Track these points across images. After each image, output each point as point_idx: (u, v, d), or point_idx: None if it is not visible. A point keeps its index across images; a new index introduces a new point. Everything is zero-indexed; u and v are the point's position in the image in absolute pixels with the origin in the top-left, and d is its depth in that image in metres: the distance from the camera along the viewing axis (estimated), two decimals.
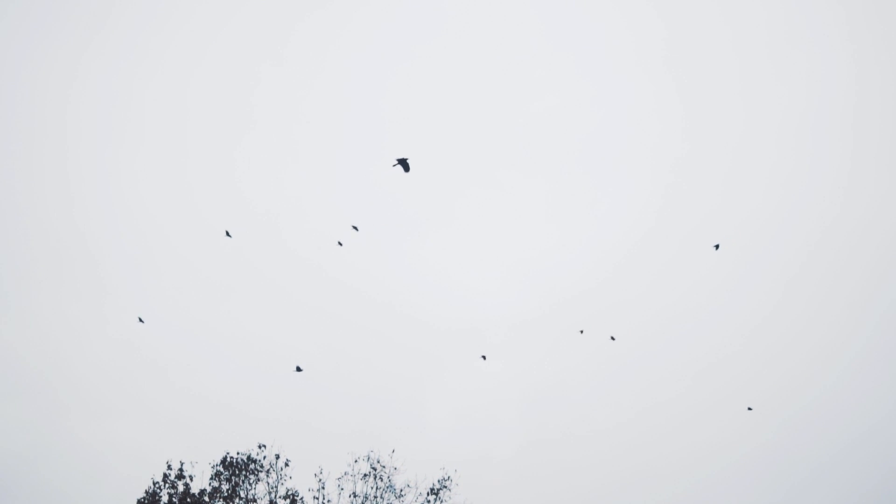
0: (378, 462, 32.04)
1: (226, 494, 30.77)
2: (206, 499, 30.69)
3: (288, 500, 31.15)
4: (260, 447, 31.58)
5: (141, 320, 40.20)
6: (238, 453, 31.39)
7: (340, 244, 37.43)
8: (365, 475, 31.81)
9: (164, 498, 30.77)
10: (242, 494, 30.94)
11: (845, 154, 66.69)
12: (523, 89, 72.06)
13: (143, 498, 30.84)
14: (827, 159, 67.32)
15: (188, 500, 30.61)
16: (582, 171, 71.10)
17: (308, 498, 31.36)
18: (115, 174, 65.41)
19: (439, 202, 67.24)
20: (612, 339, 41.76)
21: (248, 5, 69.20)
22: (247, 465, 31.13)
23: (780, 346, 58.71)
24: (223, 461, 31.20)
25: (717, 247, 39.33)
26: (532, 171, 70.04)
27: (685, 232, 63.86)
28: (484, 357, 41.42)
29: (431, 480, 32.24)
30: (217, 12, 68.67)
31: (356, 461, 31.87)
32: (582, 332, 41.47)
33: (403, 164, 29.22)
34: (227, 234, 37.90)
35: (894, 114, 66.76)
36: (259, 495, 31.13)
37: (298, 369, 36.74)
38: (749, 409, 43.01)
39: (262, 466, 31.26)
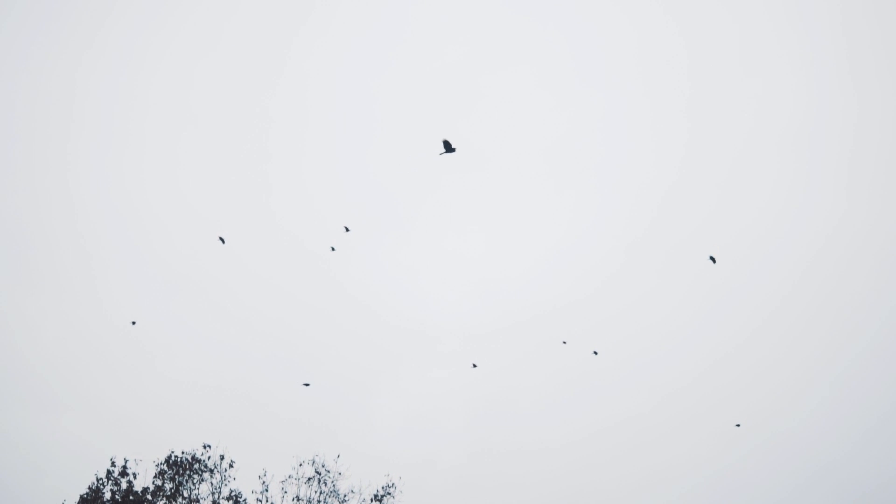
0: (323, 466, 32.34)
1: (169, 493, 30.87)
2: (150, 497, 30.77)
3: (231, 502, 31.32)
4: (205, 447, 31.72)
5: (133, 323, 40.62)
6: (183, 452, 31.51)
7: (333, 249, 37.86)
8: (309, 479, 32.10)
9: (108, 495, 30.79)
10: (186, 494, 31.06)
11: (843, 165, 66.70)
12: (509, 91, 71.94)
13: (86, 494, 30.81)
14: (825, 171, 67.30)
15: (131, 497, 30.64)
16: (562, 183, 70.95)
17: (251, 500, 31.57)
18: (113, 170, 65.59)
19: (415, 204, 67.72)
20: (595, 353, 41.44)
21: (246, 9, 69.68)
22: (191, 464, 31.25)
23: (749, 374, 58.13)
24: (167, 460, 31.27)
25: (713, 259, 37.65)
26: (511, 180, 69.90)
27: (666, 249, 63.71)
28: (475, 365, 41.78)
29: (376, 487, 32.55)
30: (217, 16, 69.16)
31: (301, 464, 32.16)
32: (565, 342, 41.42)
33: (448, 147, 29.99)
34: (221, 240, 38.10)
35: (894, 123, 67.14)
36: (202, 495, 31.27)
37: (306, 384, 37.52)
38: (737, 425, 43.17)
39: (206, 467, 31.40)
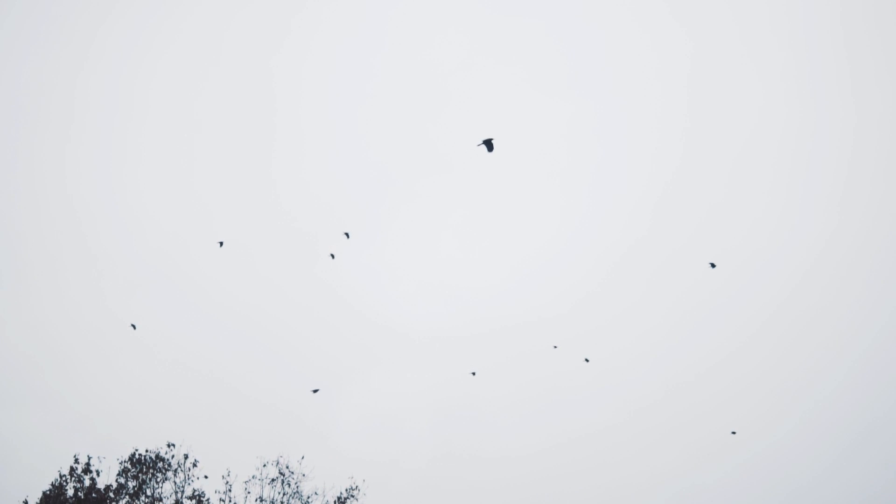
0: (287, 468, 32.51)
1: (132, 492, 30.94)
2: (112, 495, 30.80)
3: (194, 501, 31.39)
4: (169, 446, 31.79)
5: (133, 327, 40.74)
6: (147, 451, 31.59)
7: (333, 256, 38.17)
8: (273, 480, 32.28)
9: (70, 492, 30.79)
10: (149, 492, 31.11)
11: (840, 175, 67.17)
12: (501, 93, 71.90)
13: (49, 490, 30.77)
14: (823, 176, 67.75)
15: (94, 495, 30.65)
16: (553, 187, 70.92)
17: (214, 500, 31.68)
18: (113, 168, 65.70)
19: (403, 205, 68.01)
20: (587, 360, 41.46)
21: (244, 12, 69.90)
22: (155, 463, 31.31)
23: (728, 392, 58.40)
24: (131, 458, 31.31)
25: (713, 265, 37.73)
26: (500, 184, 69.82)
27: (656, 259, 63.98)
28: (474, 373, 42.03)
29: (339, 489, 32.78)
30: (213, 19, 69.40)
31: (265, 465, 32.35)
32: (556, 347, 41.81)
33: (488, 144, 30.32)
34: (220, 244, 38.44)
35: (893, 131, 67.63)
36: (165, 494, 31.34)
37: (315, 391, 37.76)
38: (733, 432, 43.57)
39: (169, 465, 31.49)
